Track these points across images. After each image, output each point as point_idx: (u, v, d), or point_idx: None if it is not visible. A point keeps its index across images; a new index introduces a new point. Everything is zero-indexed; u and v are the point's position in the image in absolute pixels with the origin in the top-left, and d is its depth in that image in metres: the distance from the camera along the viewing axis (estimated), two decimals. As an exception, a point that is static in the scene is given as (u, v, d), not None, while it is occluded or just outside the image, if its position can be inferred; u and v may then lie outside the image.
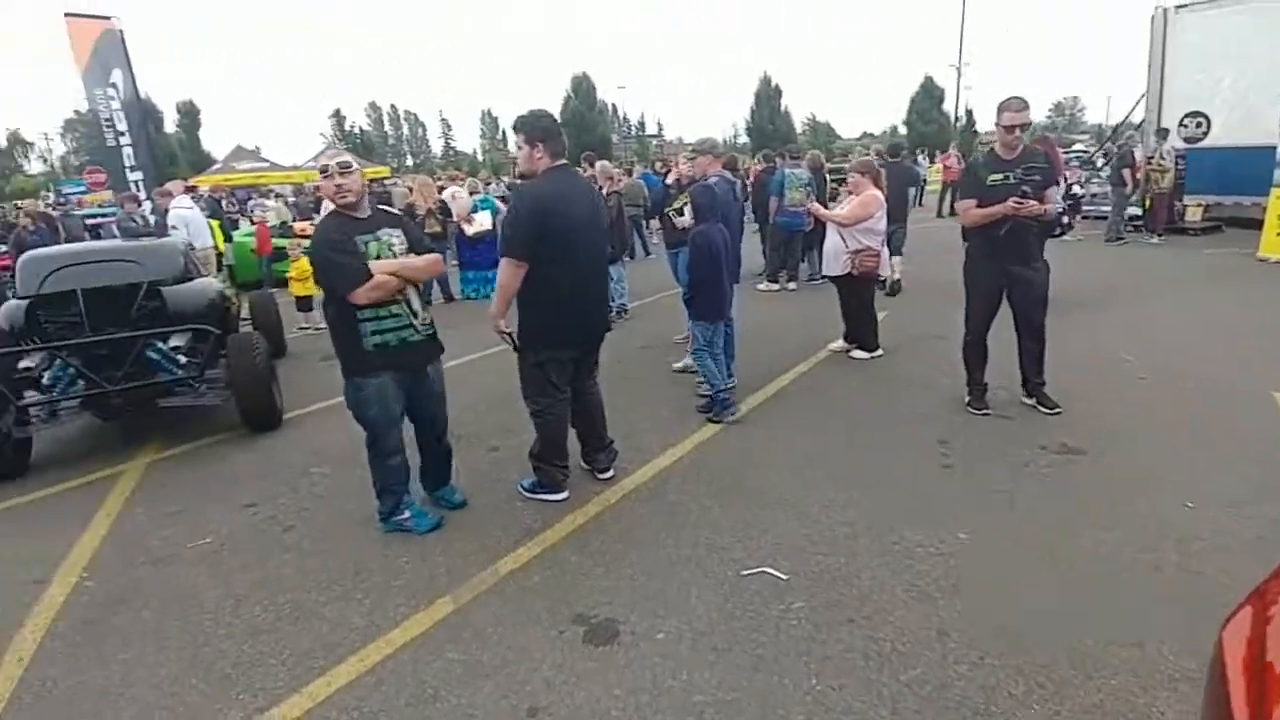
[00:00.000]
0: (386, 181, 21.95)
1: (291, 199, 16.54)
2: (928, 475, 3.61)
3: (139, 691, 2.38)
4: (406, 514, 3.31)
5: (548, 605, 2.70)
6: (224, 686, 2.38)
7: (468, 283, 9.32)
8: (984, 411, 4.29)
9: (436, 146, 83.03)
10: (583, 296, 3.34)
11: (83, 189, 21.94)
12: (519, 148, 3.28)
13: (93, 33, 11.58)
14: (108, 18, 11.63)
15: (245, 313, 6.73)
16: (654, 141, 66.10)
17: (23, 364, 4.20)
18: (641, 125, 70.32)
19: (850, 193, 5.60)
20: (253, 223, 12.27)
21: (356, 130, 62.60)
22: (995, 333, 4.32)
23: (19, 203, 28.79)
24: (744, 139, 52.48)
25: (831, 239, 5.55)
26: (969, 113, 48.34)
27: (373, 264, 2.95)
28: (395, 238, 3.08)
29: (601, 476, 3.73)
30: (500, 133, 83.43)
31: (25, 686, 2.45)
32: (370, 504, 3.38)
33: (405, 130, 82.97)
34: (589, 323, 3.48)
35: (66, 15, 11.59)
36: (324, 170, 2.99)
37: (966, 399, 4.40)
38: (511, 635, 2.54)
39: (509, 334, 3.31)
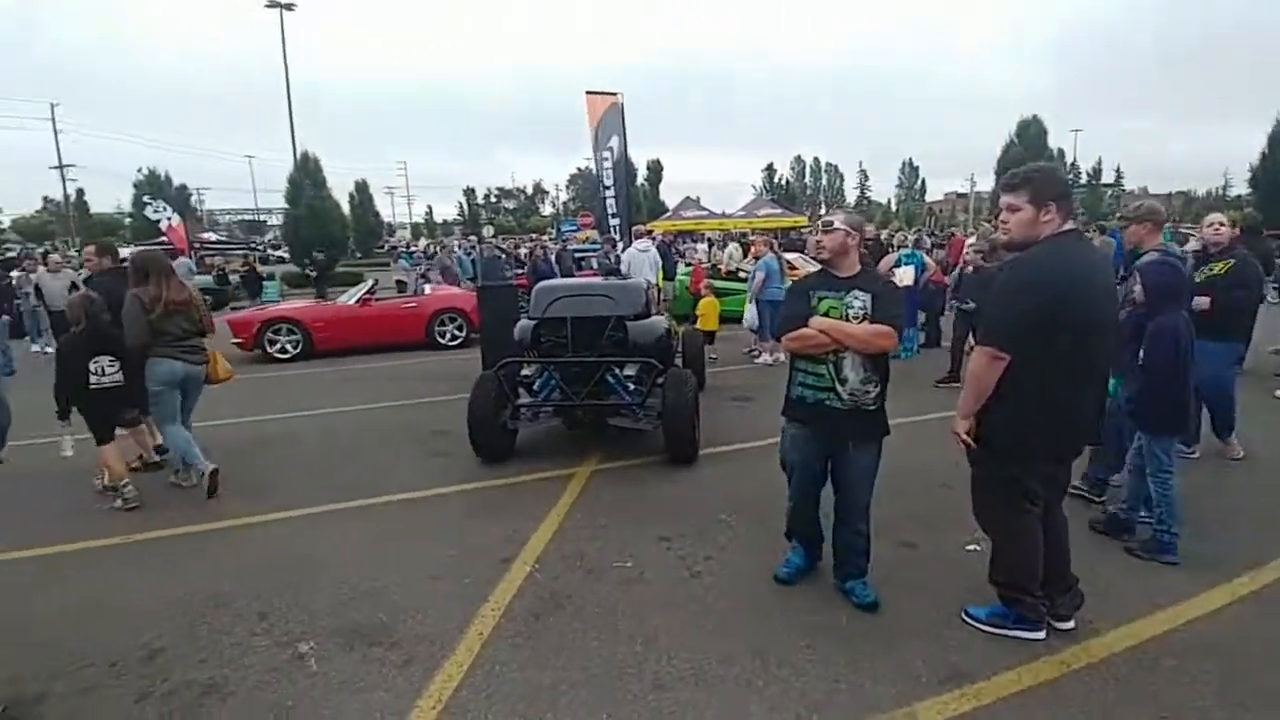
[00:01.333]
0: (804, 229, 22.85)
1: (716, 243, 18.40)
2: None
3: (561, 710, 2.55)
4: (786, 562, 3.41)
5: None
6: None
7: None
8: None
9: (851, 196, 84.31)
10: (1082, 399, 2.64)
11: (574, 228, 28.02)
12: (1009, 210, 2.72)
13: (603, 105, 14.51)
14: (614, 94, 14.44)
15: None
16: (1108, 192, 55.76)
17: (525, 371, 5.26)
18: (1096, 173, 59.87)
19: None
20: (688, 264, 14.03)
21: (782, 182, 67.60)
22: None
23: (534, 235, 38.32)
24: (1243, 190, 36.86)
25: None
26: None
27: (813, 319, 2.95)
28: (858, 300, 2.93)
29: (1060, 627, 2.91)
30: (919, 181, 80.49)
31: (480, 663, 2.84)
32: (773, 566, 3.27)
33: (824, 181, 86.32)
34: (1081, 432, 2.75)
35: (587, 93, 14.75)
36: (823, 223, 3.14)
37: None
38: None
39: (968, 438, 2.76)
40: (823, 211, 74.41)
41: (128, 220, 52.95)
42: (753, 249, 9.92)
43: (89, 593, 3.50)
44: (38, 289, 10.94)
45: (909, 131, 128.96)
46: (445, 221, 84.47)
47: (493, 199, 78.76)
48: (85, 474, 4.90)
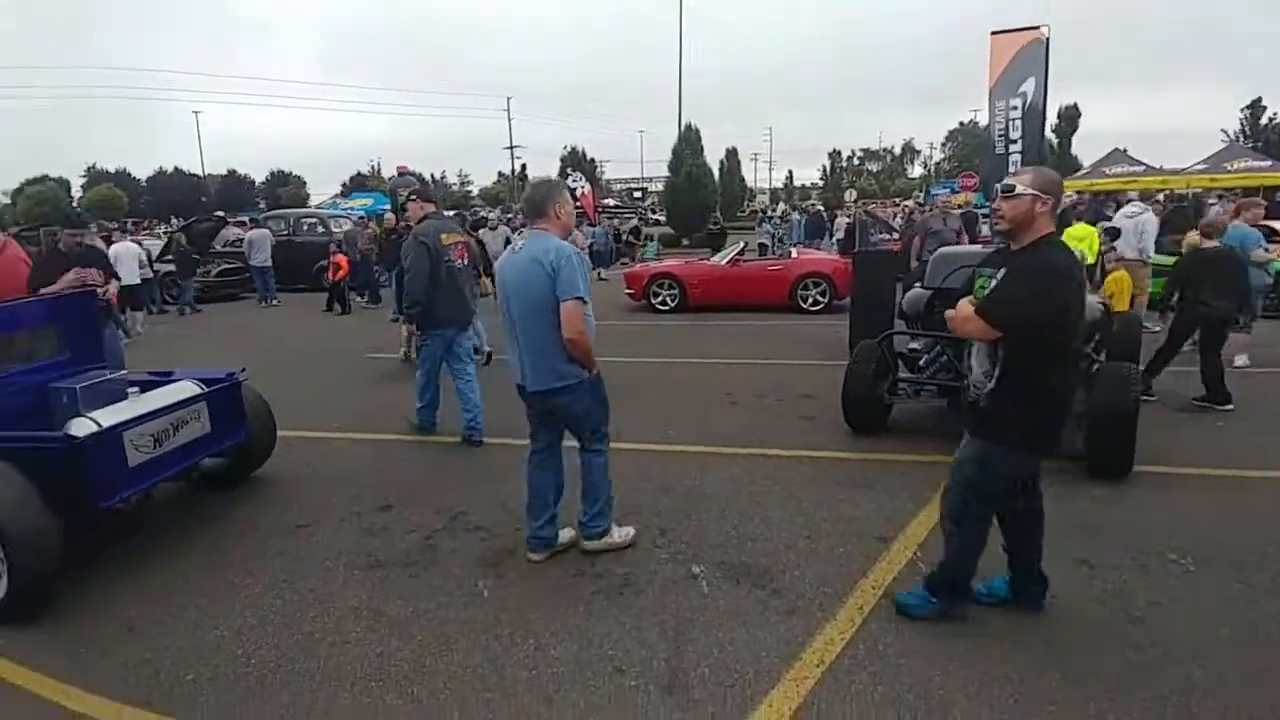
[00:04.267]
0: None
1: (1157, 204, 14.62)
2: None
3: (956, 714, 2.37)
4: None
5: None
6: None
7: None
8: None
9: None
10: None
11: (950, 189, 25.36)
12: None
13: (1015, 45, 12.53)
14: (1036, 28, 12.33)
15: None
16: None
17: (912, 345, 4.94)
18: None
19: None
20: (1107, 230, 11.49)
21: (1276, 121, 48.17)
22: None
23: (897, 200, 35.90)
24: None
25: None
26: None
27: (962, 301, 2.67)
28: (995, 279, 2.57)
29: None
30: None
31: (862, 637, 2.79)
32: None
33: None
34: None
35: (993, 34, 12.91)
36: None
37: None
38: None
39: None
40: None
41: None
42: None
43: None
44: (480, 243, 13.93)
45: None
46: (803, 186, 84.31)
47: (856, 161, 75.52)
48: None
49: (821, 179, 76.27)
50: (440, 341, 5.18)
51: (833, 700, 2.45)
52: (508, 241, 13.37)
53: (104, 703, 2.54)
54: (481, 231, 13.34)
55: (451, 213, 14.85)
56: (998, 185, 2.72)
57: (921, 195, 35.80)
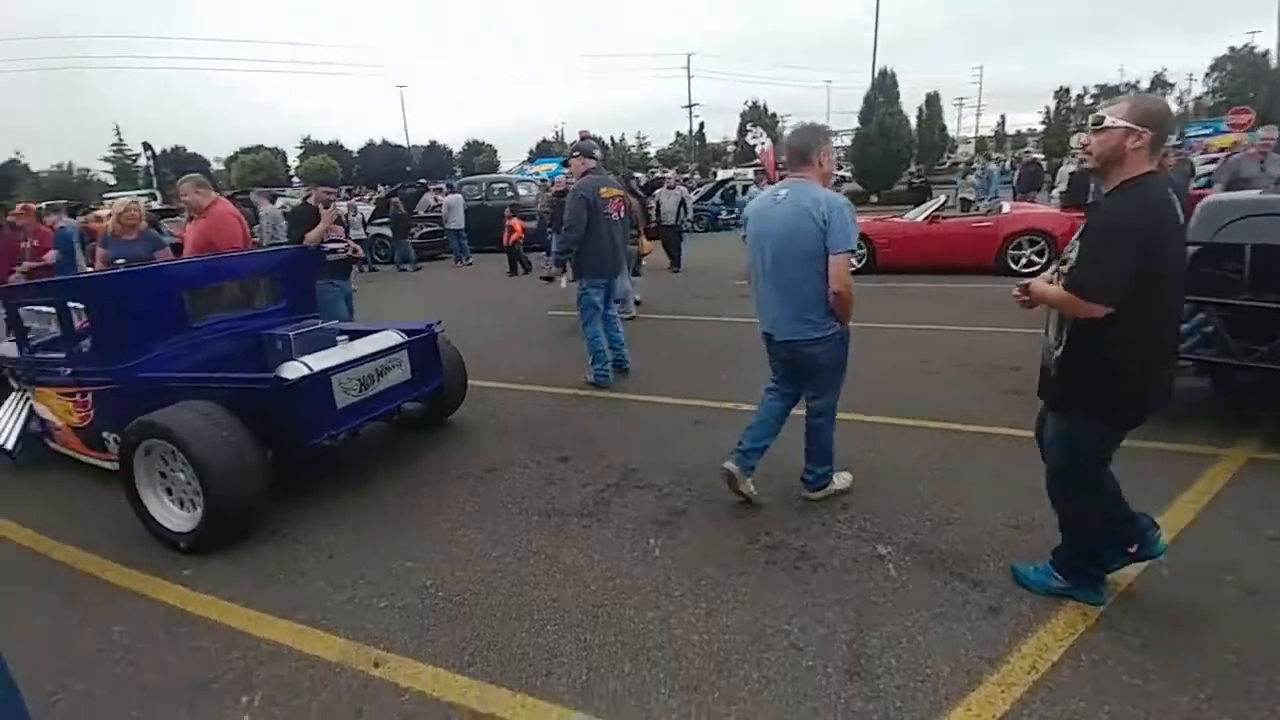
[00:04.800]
0: None
1: None
2: None
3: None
4: None
5: None
6: None
7: None
8: None
9: None
10: None
11: (1209, 131, 21.07)
12: None
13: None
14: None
15: None
16: None
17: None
18: None
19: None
20: None
21: None
22: None
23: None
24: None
25: None
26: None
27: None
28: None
29: None
30: None
31: (1082, 647, 2.37)
32: None
33: None
34: None
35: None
36: None
37: None
38: None
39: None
40: None
41: (730, 148, 63.20)
42: None
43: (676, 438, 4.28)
44: (658, 203, 13.82)
45: None
46: (1018, 132, 74.77)
47: (1088, 100, 64.72)
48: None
49: (1043, 123, 66.67)
50: (598, 291, 5.49)
51: (1046, 716, 2.10)
52: (682, 203, 13.33)
53: (293, 627, 2.71)
54: (658, 192, 13.35)
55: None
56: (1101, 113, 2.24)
57: (1176, 138, 30.25)
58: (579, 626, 2.65)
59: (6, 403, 4.42)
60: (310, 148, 64.60)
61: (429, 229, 16.93)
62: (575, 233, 5.28)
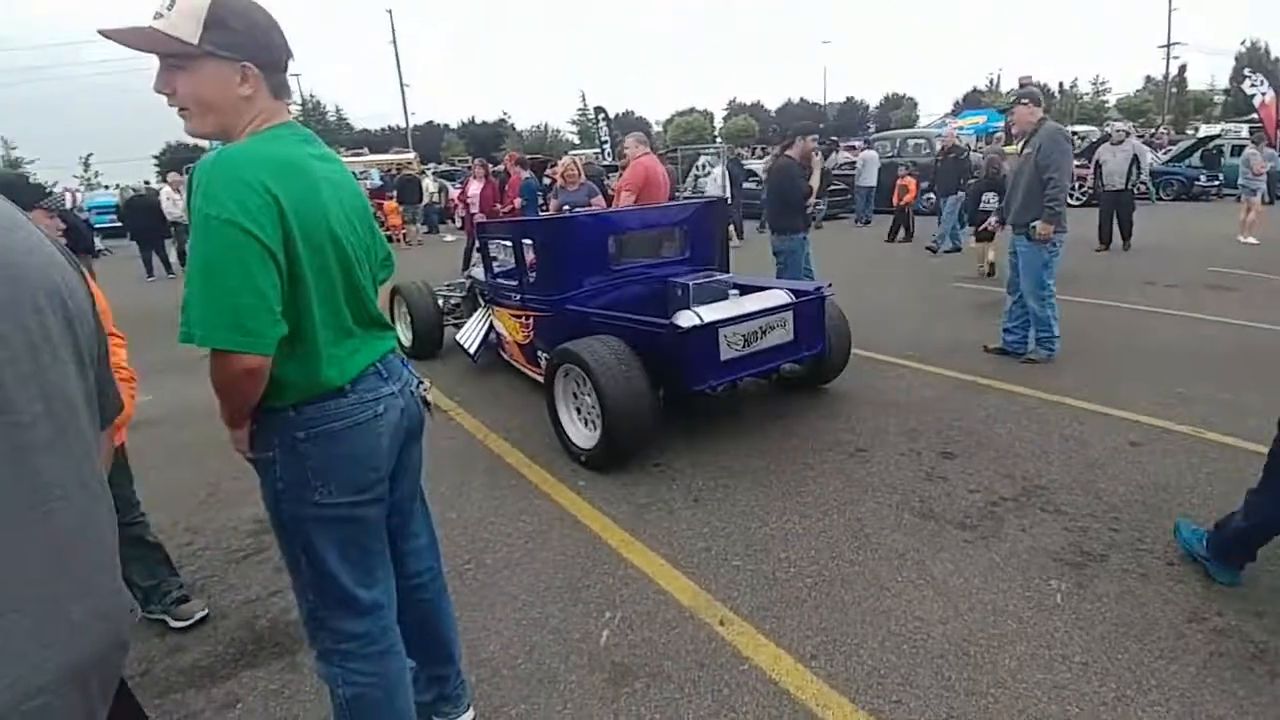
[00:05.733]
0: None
1: None
2: None
3: None
4: None
5: None
6: None
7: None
8: None
9: None
10: None
11: None
12: None
13: None
14: None
15: None
16: None
17: None
18: None
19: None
20: None
21: None
22: None
23: None
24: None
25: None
26: None
27: None
28: None
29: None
30: None
31: None
32: None
33: None
34: None
35: None
36: None
37: None
38: None
39: None
40: None
41: (1217, 98, 47.50)
42: None
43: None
44: (1097, 163, 10.96)
45: None
46: None
47: None
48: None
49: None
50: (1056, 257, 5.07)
51: None
52: (1135, 161, 10.34)
53: (657, 559, 2.88)
54: (1101, 149, 10.72)
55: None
56: None
57: None
58: (942, 659, 2.26)
59: (475, 315, 5.68)
60: (734, 109, 68.92)
61: (835, 187, 16.61)
62: (1065, 183, 4.92)
